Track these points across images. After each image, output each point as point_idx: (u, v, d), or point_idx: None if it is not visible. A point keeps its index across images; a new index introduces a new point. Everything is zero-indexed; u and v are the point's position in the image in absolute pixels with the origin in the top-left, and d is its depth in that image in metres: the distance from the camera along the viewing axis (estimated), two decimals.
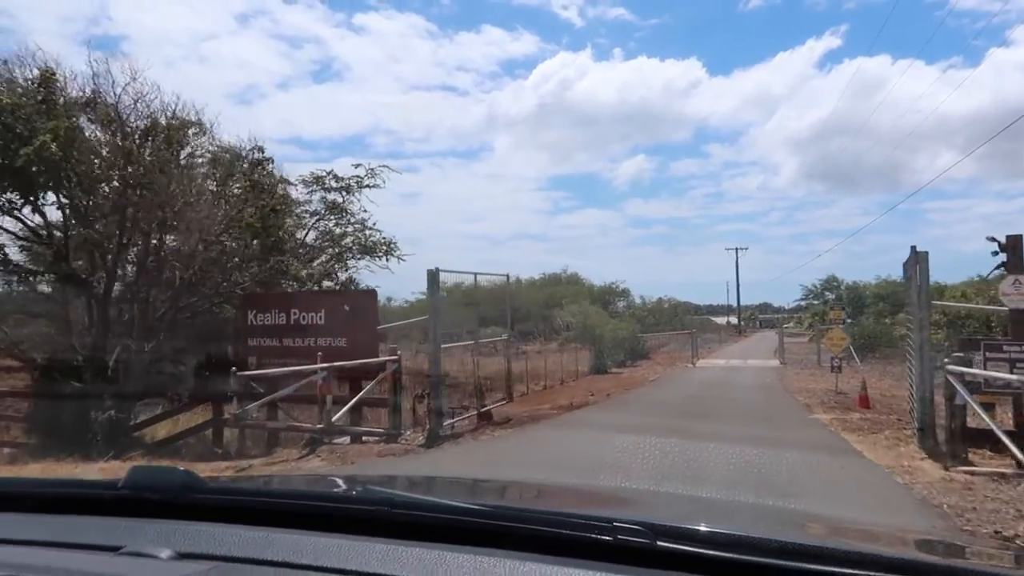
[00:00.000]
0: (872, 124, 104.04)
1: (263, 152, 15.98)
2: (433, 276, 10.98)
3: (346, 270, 25.54)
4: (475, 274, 13.06)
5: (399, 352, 10.81)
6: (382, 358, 10.48)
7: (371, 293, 14.76)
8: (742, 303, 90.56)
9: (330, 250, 27.40)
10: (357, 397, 9.98)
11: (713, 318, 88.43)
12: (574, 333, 33.21)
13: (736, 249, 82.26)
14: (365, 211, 24.19)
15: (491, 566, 1.18)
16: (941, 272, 52.52)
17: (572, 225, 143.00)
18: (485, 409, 12.76)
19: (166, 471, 1.64)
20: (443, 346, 11.62)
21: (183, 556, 1.26)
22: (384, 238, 26.07)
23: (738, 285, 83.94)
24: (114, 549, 1.30)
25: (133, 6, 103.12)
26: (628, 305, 69.33)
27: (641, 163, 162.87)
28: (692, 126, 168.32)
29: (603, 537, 1.25)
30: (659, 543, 1.22)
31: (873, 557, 1.24)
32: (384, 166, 23.58)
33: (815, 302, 74.22)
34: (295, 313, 11.19)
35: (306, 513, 1.48)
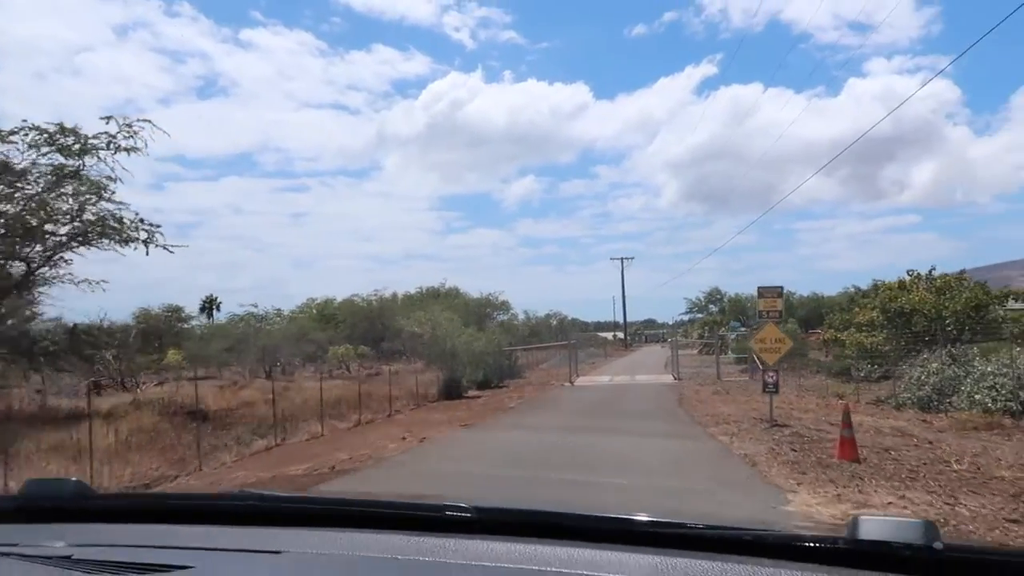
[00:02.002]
0: (745, 148, 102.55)
1: None
2: None
3: None
4: None
5: None
6: None
7: None
8: (628, 320, 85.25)
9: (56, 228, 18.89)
10: None
11: (601, 334, 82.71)
12: (423, 348, 24.97)
13: (622, 259, 76.72)
14: (113, 179, 16.65)
15: (350, 538, 1.42)
16: (816, 286, 49.76)
17: (464, 245, 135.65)
18: None
19: (58, 482, 1.80)
20: None
21: (76, 546, 1.39)
22: (134, 217, 17.79)
23: (624, 296, 78.50)
24: (11, 545, 1.41)
25: (1, 16, 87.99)
26: (511, 319, 61.94)
27: (531, 184, 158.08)
28: (579, 148, 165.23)
29: (433, 514, 1.53)
30: (477, 517, 1.46)
31: (612, 526, 1.40)
32: (146, 120, 16.27)
33: (699, 315, 70.48)
34: None
35: (181, 510, 1.66)
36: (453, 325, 24.30)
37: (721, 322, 53.31)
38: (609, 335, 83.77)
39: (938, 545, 1.17)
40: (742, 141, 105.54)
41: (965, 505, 6.02)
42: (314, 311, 57.69)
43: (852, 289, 49.39)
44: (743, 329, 42.06)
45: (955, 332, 17.36)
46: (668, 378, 29.64)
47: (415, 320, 24.90)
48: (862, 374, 22.90)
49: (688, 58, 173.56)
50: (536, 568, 1.22)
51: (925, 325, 17.42)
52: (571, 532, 1.37)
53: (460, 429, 14.14)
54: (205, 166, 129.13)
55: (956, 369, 15.98)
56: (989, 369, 14.68)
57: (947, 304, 16.94)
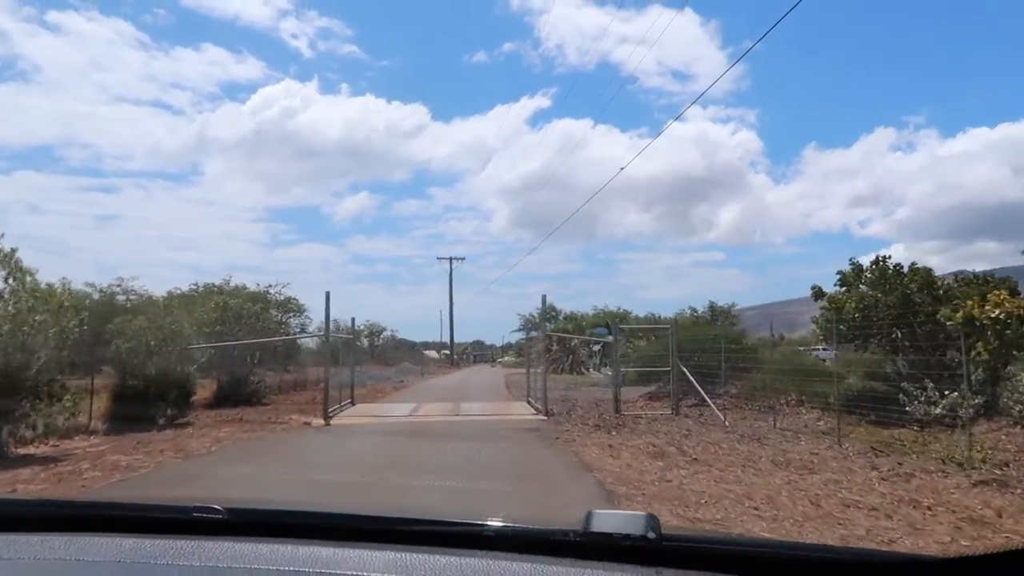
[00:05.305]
0: (573, 180, 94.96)
1: None
2: None
3: None
4: None
5: None
6: None
7: None
8: (457, 341, 71.07)
9: None
10: None
11: (427, 353, 68.02)
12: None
13: (451, 259, 62.62)
14: None
15: (68, 542, 1.22)
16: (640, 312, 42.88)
17: (292, 259, 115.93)
18: None
19: None
20: None
21: None
22: None
23: (451, 304, 64.23)
24: None
25: None
26: (303, 325, 44.92)
27: (364, 200, 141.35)
28: (414, 168, 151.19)
29: (180, 516, 1.38)
30: (228, 519, 1.33)
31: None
32: None
33: (534, 332, 58.68)
34: None
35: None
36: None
37: (574, 331, 41.18)
38: (434, 353, 69.31)
39: (651, 535, 1.18)
40: (570, 172, 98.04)
41: None
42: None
43: (689, 312, 41.97)
44: (610, 337, 29.70)
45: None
46: (524, 411, 15.70)
47: None
48: (937, 410, 10.35)
49: (524, 89, 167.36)
50: (280, 568, 1.17)
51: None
52: (321, 532, 1.30)
53: None
54: None
55: None
56: None
57: None
